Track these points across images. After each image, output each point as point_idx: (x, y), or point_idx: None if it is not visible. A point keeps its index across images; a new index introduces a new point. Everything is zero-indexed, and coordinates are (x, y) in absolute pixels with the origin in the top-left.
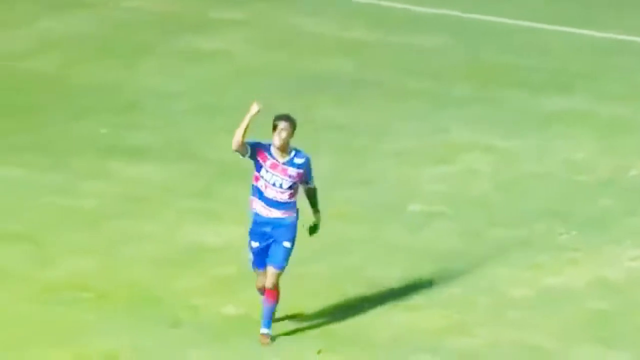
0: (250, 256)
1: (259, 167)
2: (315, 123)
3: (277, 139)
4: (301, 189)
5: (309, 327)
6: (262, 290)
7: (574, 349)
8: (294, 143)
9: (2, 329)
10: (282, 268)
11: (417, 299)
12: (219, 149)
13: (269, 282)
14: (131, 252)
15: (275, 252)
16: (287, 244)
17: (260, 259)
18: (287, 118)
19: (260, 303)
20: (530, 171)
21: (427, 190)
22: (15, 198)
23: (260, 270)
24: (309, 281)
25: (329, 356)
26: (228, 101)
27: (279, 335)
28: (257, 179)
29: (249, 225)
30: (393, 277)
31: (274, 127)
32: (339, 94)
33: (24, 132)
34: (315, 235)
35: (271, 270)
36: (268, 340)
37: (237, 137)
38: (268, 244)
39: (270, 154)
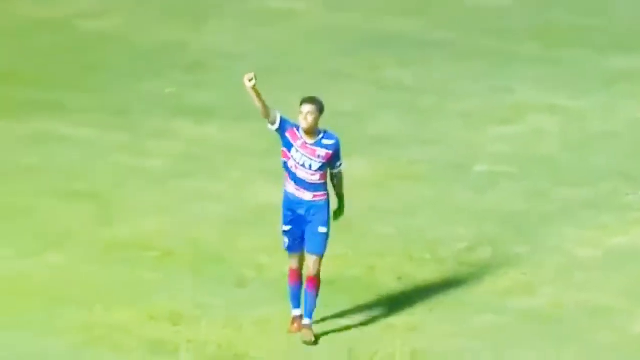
0: (285, 239)
1: (288, 145)
2: (381, 83)
3: (303, 123)
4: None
5: (375, 288)
6: (295, 273)
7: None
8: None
9: (67, 287)
10: (322, 255)
11: (482, 259)
12: (282, 109)
13: (313, 270)
14: (196, 211)
15: (313, 239)
16: (322, 229)
17: (294, 242)
18: (312, 101)
19: (286, 284)
20: (596, 131)
21: (492, 150)
22: (81, 157)
23: (294, 254)
24: (375, 241)
25: (396, 317)
26: (293, 62)
27: (349, 284)
28: (286, 156)
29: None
30: (458, 238)
31: (300, 110)
32: (404, 54)
33: (89, 91)
34: (340, 218)
35: (312, 258)
36: (311, 334)
37: (255, 106)
38: (302, 229)
39: (300, 135)
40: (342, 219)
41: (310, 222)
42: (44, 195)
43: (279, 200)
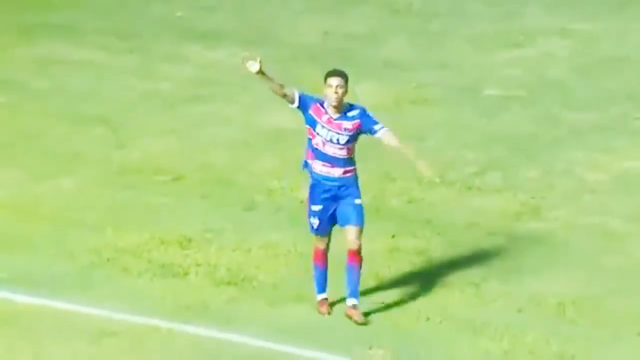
0: (314, 220)
1: (312, 123)
2: (392, 7)
3: (333, 97)
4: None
5: (385, 211)
6: (323, 256)
7: None
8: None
9: (78, 210)
10: (362, 225)
11: (492, 183)
12: (294, 33)
13: (355, 244)
14: (207, 135)
15: (351, 212)
16: (358, 201)
17: (323, 223)
18: (340, 74)
19: (312, 272)
20: (607, 55)
21: (502, 74)
22: (93, 81)
23: (323, 236)
24: (384, 165)
25: (404, 240)
26: None
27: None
28: (312, 134)
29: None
30: (467, 161)
31: (327, 84)
32: None
33: (99, 14)
34: (427, 174)
35: (353, 230)
36: (360, 314)
37: (270, 88)
38: (333, 207)
39: (325, 110)
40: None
41: (343, 197)
42: (55, 119)
43: (289, 124)
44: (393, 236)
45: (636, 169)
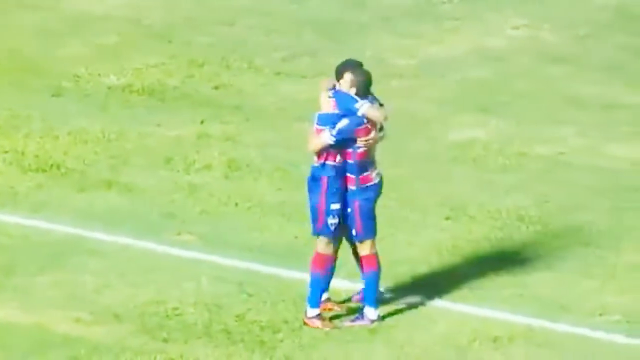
0: (334, 221)
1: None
2: None
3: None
4: None
5: (192, 97)
6: (332, 261)
7: (455, 117)
8: None
9: None
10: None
11: (300, 68)
12: None
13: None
14: (14, 21)
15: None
16: None
17: (338, 225)
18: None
19: (312, 277)
20: None
21: None
22: None
23: (337, 238)
24: (193, 51)
25: (213, 126)
26: None
27: (168, 93)
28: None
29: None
30: (276, 47)
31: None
32: None
33: None
34: None
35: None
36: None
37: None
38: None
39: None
40: None
41: None
42: None
43: (96, 10)
44: (202, 122)
45: (442, 54)
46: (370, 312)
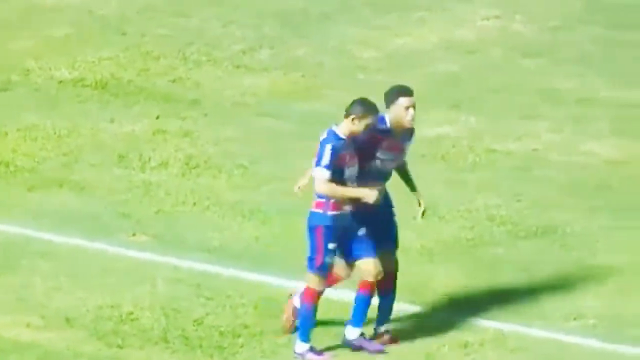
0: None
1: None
2: None
3: (409, 119)
4: None
5: (147, 91)
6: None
7: (423, 113)
8: None
9: None
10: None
11: (261, 60)
12: None
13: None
14: None
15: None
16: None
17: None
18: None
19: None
20: None
21: None
22: None
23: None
24: (149, 43)
25: (169, 121)
26: None
27: (122, 87)
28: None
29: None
30: (236, 38)
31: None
32: None
33: None
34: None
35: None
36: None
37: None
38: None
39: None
40: None
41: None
42: None
43: (47, 1)
44: (157, 117)
45: (407, 46)
46: (351, 332)
